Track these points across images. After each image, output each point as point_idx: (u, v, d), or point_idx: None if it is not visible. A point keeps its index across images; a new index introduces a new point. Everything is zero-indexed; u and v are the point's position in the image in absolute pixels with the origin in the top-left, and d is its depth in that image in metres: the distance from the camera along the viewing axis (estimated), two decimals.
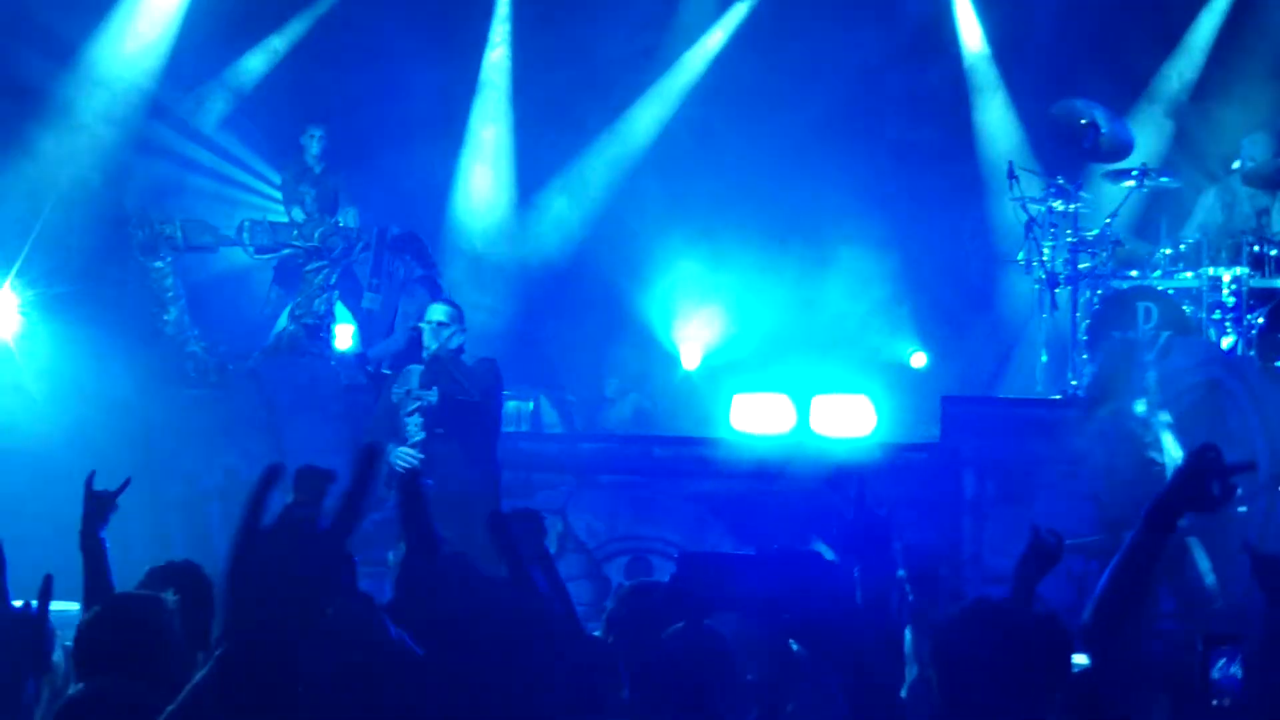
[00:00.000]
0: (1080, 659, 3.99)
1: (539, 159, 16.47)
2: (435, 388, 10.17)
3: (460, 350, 10.37)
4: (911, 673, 5.04)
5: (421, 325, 10.40)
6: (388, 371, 11.62)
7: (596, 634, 5.78)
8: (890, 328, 15.65)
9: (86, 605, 5.02)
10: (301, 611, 2.99)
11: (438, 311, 10.50)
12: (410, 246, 14.06)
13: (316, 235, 14.15)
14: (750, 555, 2.86)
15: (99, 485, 5.66)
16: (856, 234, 15.28)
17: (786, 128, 15.53)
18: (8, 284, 13.53)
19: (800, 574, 3.95)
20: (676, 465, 12.59)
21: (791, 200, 15.53)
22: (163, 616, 4.44)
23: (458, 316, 10.50)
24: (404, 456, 10.02)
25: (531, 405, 14.70)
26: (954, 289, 15.80)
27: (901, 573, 5.12)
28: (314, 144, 14.68)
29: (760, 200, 15.59)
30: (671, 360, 16.27)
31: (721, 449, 12.84)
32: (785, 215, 15.58)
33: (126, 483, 5.82)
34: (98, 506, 5.50)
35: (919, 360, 15.92)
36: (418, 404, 10.22)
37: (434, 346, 10.21)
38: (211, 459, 12.91)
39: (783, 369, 14.65)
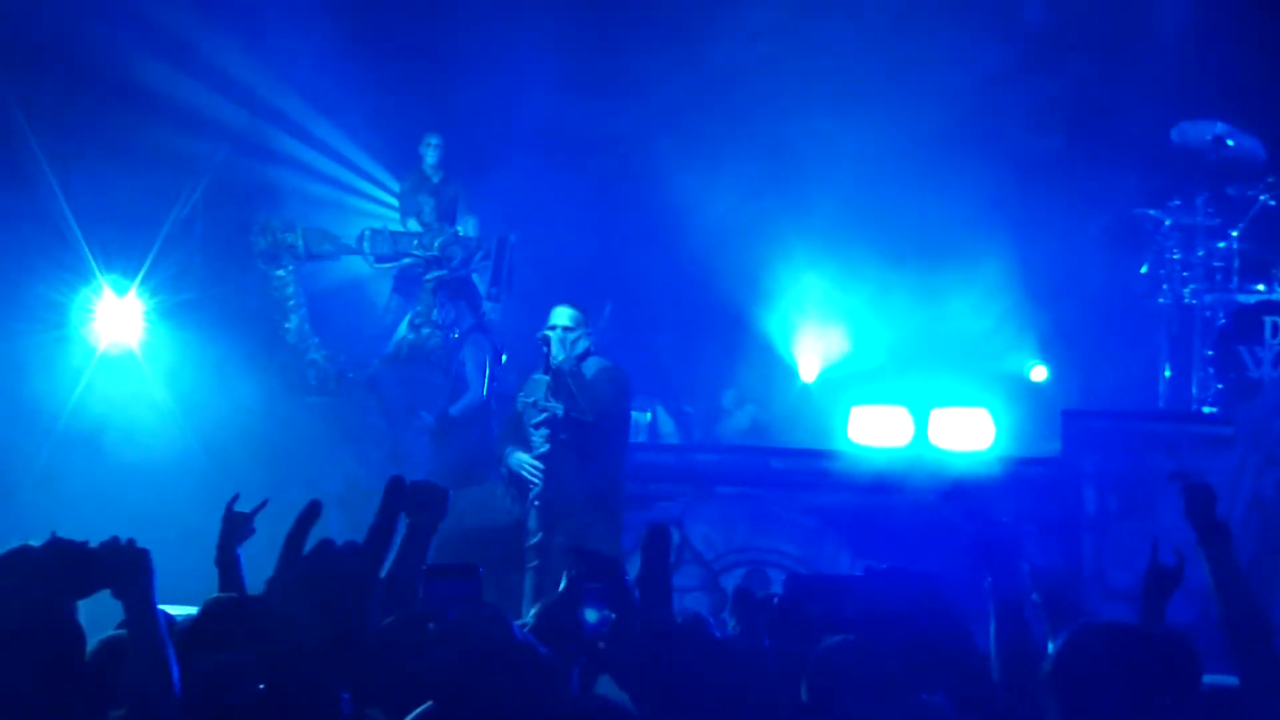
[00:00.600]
0: (1214, 678, 3.92)
1: (657, 168, 16.43)
2: (561, 402, 9.93)
3: (587, 354, 10.14)
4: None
5: (547, 332, 10.04)
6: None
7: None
8: (1010, 341, 15.51)
9: None
10: (336, 628, 3.05)
11: (563, 315, 10.11)
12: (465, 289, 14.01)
13: (436, 245, 14.21)
14: (860, 575, 2.83)
15: (227, 498, 5.88)
16: (977, 246, 15.15)
17: (908, 139, 15.43)
18: (133, 291, 13.68)
19: (911, 594, 3.90)
20: (794, 477, 12.53)
21: (913, 212, 15.42)
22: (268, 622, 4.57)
23: (583, 320, 10.21)
24: (525, 465, 9.95)
25: (649, 416, 14.70)
26: (1076, 302, 15.63)
27: (1035, 597, 5.04)
28: (431, 153, 14.74)
29: (881, 212, 15.50)
30: (789, 372, 16.20)
31: (839, 462, 12.77)
32: (906, 227, 15.48)
33: (263, 504, 6.02)
34: (236, 526, 5.69)
35: (1039, 374, 15.76)
36: (543, 415, 10.03)
37: (560, 356, 9.91)
38: (331, 466, 13.00)
39: (901, 382, 14.57)
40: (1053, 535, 11.78)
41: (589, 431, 9.87)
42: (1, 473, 12.10)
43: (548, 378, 9.95)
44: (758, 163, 16.02)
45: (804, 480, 12.46)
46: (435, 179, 14.70)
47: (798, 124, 16.17)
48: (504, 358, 13.33)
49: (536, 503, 9.92)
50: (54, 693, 3.92)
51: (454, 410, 12.29)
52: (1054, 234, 15.66)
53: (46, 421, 11.47)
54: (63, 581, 3.81)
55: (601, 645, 4.94)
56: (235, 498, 5.84)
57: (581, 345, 10.05)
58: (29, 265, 14.67)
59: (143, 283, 13.79)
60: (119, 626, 3.89)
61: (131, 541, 3.86)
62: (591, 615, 5.08)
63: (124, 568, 3.79)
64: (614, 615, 5.17)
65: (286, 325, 14.56)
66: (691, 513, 12.33)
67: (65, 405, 11.47)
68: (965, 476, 11.95)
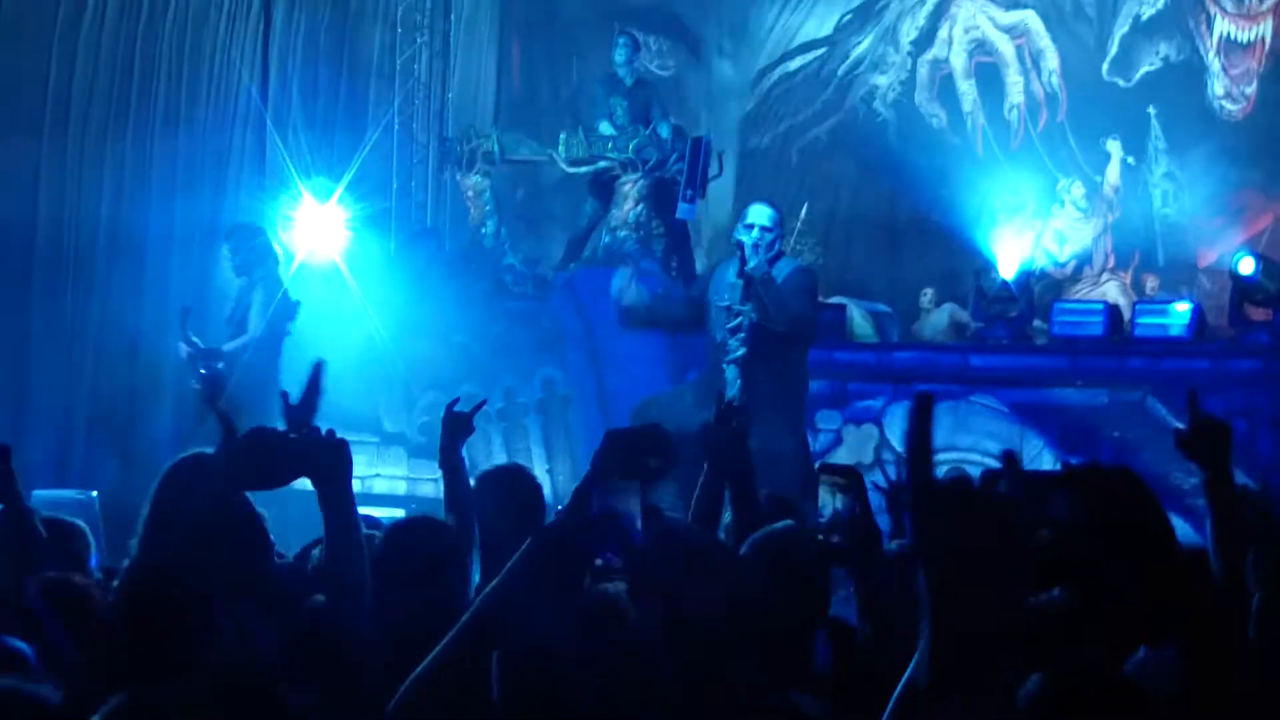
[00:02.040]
0: None
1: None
2: (752, 305, 9.58)
3: (779, 256, 9.99)
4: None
5: (741, 236, 9.63)
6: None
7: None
8: (1218, 232, 15.12)
9: (449, 514, 5.28)
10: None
11: (761, 214, 9.71)
12: None
13: (631, 147, 14.20)
14: (1058, 472, 2.77)
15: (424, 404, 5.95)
16: None
17: None
18: (334, 199, 13.85)
19: (1111, 491, 3.81)
20: (995, 374, 12.38)
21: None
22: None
23: (780, 220, 9.84)
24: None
25: (850, 315, 14.57)
26: None
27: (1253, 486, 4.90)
28: (621, 52, 14.56)
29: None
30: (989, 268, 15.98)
31: (1041, 357, 12.61)
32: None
33: (482, 404, 6.06)
34: (457, 428, 5.74)
35: (1247, 266, 15.35)
36: (737, 320, 9.87)
37: (753, 260, 9.55)
38: (530, 371, 13.10)
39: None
40: (1263, 430, 11.54)
41: (779, 338, 9.75)
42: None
43: (741, 281, 9.76)
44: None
45: (1005, 376, 12.32)
46: (628, 81, 14.60)
47: None
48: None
49: (734, 405, 9.85)
50: (252, 581, 4.06)
51: (227, 349, 11.78)
52: None
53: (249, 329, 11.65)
54: (267, 469, 3.92)
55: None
56: (455, 401, 5.89)
57: (777, 247, 9.90)
58: (232, 172, 14.96)
59: (346, 191, 13.97)
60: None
61: (331, 432, 3.93)
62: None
63: (325, 457, 3.87)
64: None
65: (483, 230, 14.69)
66: (890, 411, 12.24)
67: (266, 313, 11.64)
68: (1172, 370, 11.74)
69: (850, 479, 3.86)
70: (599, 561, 3.10)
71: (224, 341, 11.56)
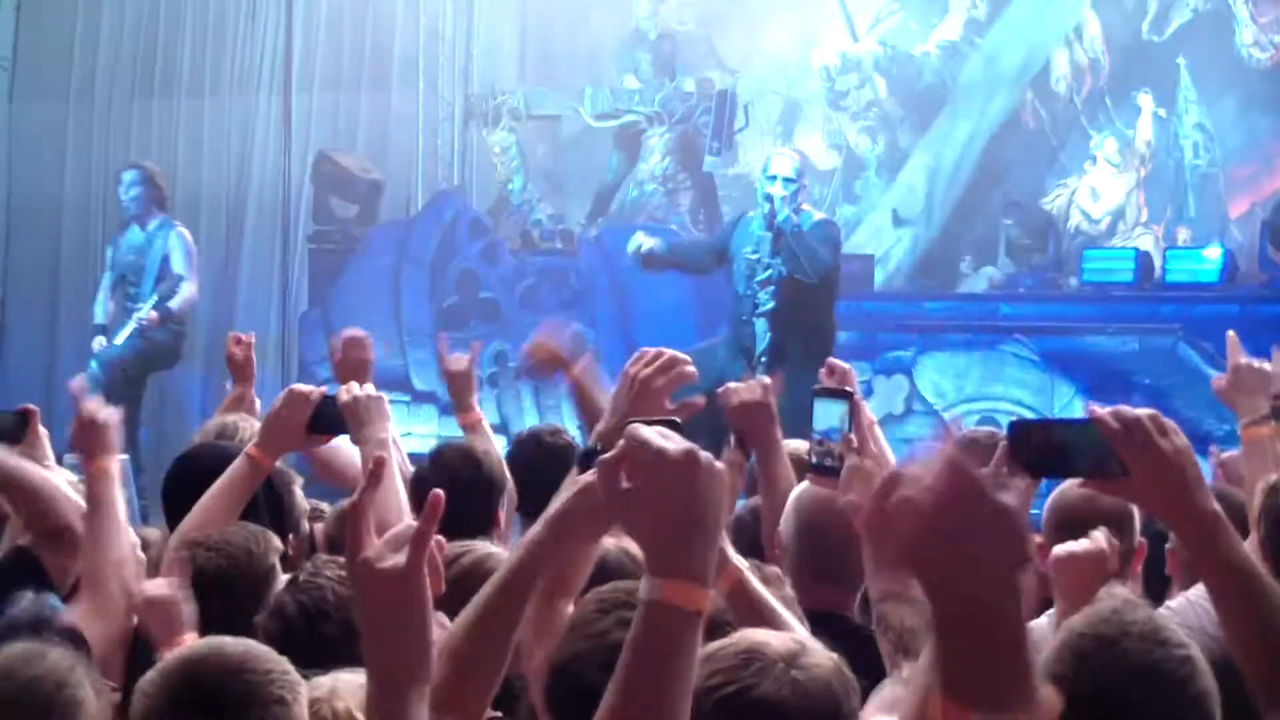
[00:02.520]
0: None
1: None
2: (781, 258, 9.68)
3: (800, 207, 10.04)
4: None
5: (769, 189, 9.71)
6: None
7: None
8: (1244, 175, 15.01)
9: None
10: None
11: (784, 164, 9.84)
12: None
13: (656, 100, 14.17)
14: (1082, 419, 2.74)
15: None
16: None
17: None
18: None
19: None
20: (1025, 322, 12.34)
21: None
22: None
23: (802, 170, 9.97)
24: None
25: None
26: None
27: None
28: (645, 3, 14.53)
29: None
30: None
31: (1071, 305, 12.57)
32: None
33: (474, 352, 6.03)
34: (457, 383, 5.73)
35: None
36: (767, 273, 9.86)
37: (783, 214, 9.59)
38: (560, 326, 13.10)
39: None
40: None
41: (807, 290, 9.74)
42: None
43: (770, 234, 9.75)
44: None
45: (1035, 325, 12.27)
46: (652, 35, 14.54)
47: None
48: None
49: (763, 359, 9.85)
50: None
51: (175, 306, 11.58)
52: None
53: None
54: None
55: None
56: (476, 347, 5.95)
57: (800, 197, 9.89)
58: (259, 136, 14.96)
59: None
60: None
61: (369, 387, 4.08)
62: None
63: (361, 412, 4.04)
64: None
65: (510, 186, 14.68)
66: (920, 361, 12.21)
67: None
68: (1203, 316, 11.69)
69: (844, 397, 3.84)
70: None
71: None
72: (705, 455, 2.19)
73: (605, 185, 14.67)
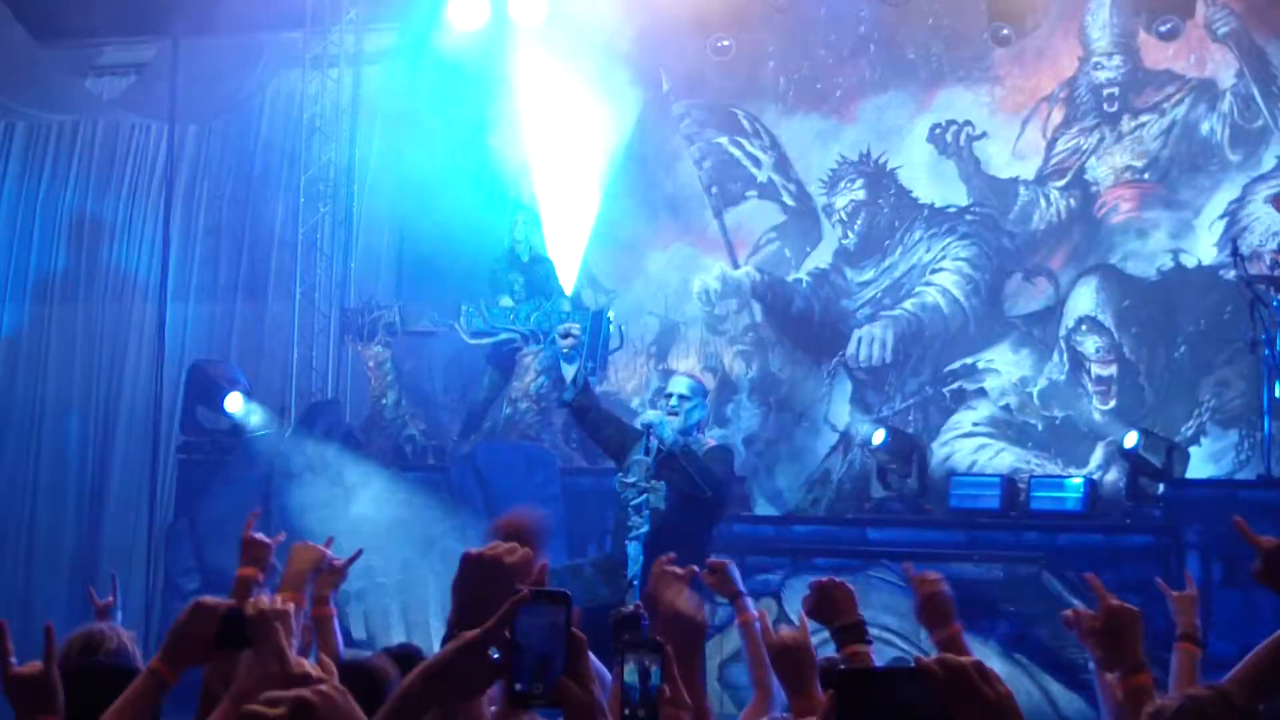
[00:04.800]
0: None
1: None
2: (664, 482, 9.71)
3: (701, 426, 10.04)
4: None
5: (650, 416, 9.82)
6: None
7: None
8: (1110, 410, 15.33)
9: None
10: None
11: (681, 384, 9.99)
12: None
13: (532, 319, 14.27)
14: (907, 668, 2.75)
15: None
16: None
17: None
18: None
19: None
20: (893, 548, 12.46)
21: None
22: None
23: (701, 390, 10.09)
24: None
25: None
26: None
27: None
28: (520, 229, 14.72)
29: None
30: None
31: (938, 532, 12.71)
32: None
33: (358, 554, 6.00)
34: (332, 575, 5.68)
35: (1131, 439, 15.53)
36: (643, 498, 9.91)
37: (671, 439, 9.62)
38: (430, 542, 13.05)
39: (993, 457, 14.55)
40: (1156, 605, 11.65)
41: (684, 515, 9.75)
42: None
43: (649, 459, 9.79)
44: None
45: (903, 551, 12.39)
46: (525, 256, 14.68)
47: None
48: None
49: (635, 582, 9.85)
50: None
51: None
52: None
53: None
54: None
55: None
56: (330, 540, 5.86)
57: (696, 415, 9.98)
58: (132, 343, 14.86)
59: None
60: None
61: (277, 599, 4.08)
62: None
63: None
64: None
65: (384, 401, 14.69)
66: (789, 585, 12.28)
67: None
68: (1067, 545, 11.86)
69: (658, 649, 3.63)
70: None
71: None
72: None
73: (479, 402, 14.71)
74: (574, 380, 10.25)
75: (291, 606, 4.06)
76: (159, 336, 14.88)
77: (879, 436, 13.90)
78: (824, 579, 4.75)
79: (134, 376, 15.17)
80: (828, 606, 4.67)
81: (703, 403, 10.08)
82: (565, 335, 10.37)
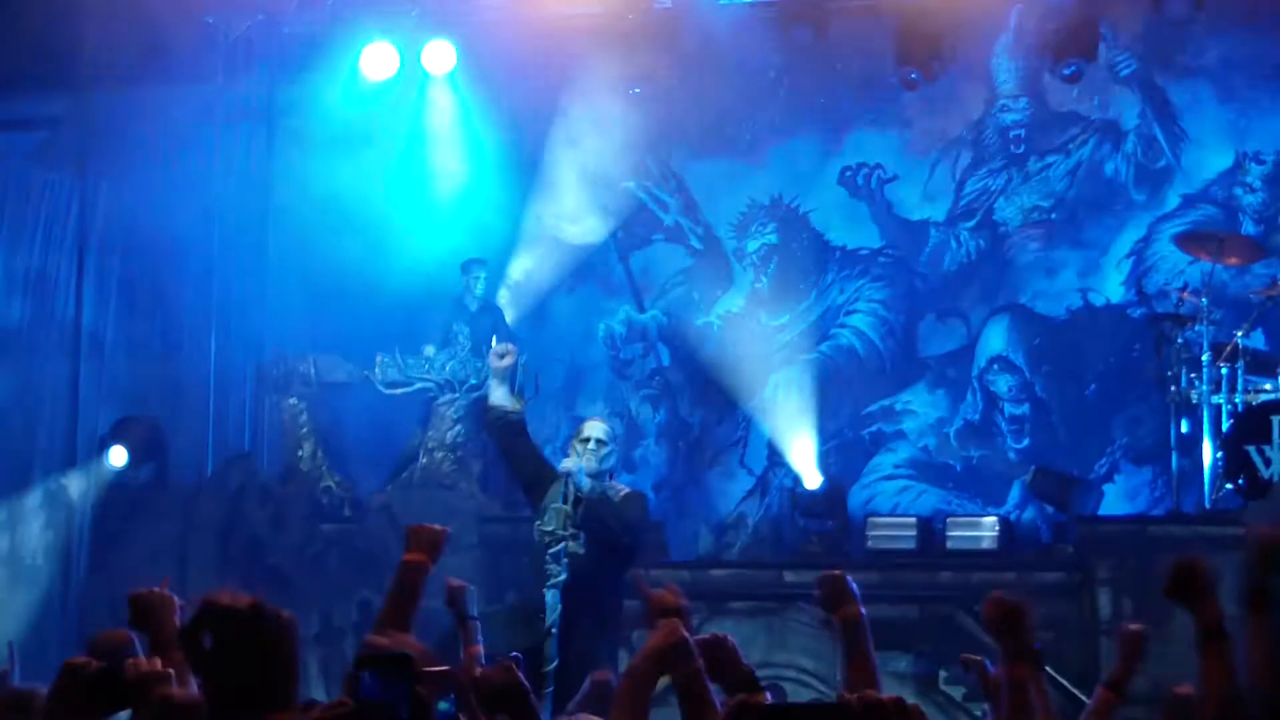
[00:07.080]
0: None
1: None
2: (582, 534, 9.65)
3: (613, 472, 10.01)
4: None
5: (568, 464, 9.68)
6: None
7: None
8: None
9: None
10: None
11: (597, 429, 9.93)
12: None
13: (447, 368, 14.27)
14: (828, 703, 2.80)
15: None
16: None
17: None
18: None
19: None
20: (808, 589, 12.47)
21: None
22: None
23: (613, 435, 10.05)
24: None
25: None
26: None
27: None
28: (479, 284, 14.69)
29: None
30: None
31: (854, 572, 12.79)
32: None
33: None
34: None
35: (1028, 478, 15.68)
36: (561, 548, 9.72)
37: (587, 485, 9.57)
38: (347, 593, 13.04)
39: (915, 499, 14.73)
40: (1068, 641, 11.78)
41: (600, 564, 9.75)
42: None
43: (568, 506, 9.76)
44: None
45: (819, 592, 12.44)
46: (473, 308, 14.63)
47: None
48: None
49: (553, 630, 9.84)
50: None
51: None
52: None
53: None
54: None
55: None
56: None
57: (610, 460, 9.97)
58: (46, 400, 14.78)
59: None
60: None
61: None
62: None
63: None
64: None
65: (299, 453, 14.65)
66: (705, 629, 12.27)
67: None
68: (980, 583, 11.95)
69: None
70: None
71: None
72: None
73: (401, 453, 14.68)
74: (519, 391, 10.14)
75: (171, 672, 4.05)
76: (73, 392, 14.81)
77: (813, 481, 14.10)
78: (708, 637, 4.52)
79: (49, 433, 15.06)
80: (716, 667, 4.46)
81: (615, 448, 10.09)
82: (502, 355, 10.09)
